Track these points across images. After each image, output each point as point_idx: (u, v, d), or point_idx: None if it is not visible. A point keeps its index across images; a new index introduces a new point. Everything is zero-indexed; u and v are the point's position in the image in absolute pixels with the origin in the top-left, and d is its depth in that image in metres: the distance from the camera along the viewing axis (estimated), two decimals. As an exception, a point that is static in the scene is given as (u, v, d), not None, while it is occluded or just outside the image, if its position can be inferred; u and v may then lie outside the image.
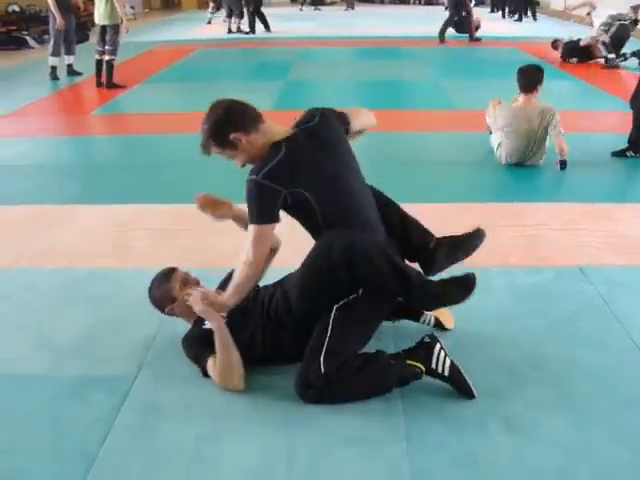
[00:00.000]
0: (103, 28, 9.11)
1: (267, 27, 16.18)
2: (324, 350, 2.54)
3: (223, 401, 2.61)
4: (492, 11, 20.20)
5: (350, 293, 2.61)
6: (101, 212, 4.59)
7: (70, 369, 2.83)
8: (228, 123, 2.62)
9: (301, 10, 22.37)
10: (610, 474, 2.25)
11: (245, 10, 15.99)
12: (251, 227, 2.61)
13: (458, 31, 14.09)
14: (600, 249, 3.94)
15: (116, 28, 9.07)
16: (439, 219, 4.30)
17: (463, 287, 2.68)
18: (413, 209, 3.09)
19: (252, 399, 2.61)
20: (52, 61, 9.94)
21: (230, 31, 15.85)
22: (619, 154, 5.75)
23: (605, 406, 2.58)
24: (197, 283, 2.92)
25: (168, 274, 2.92)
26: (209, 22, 18.00)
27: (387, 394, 2.60)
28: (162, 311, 2.93)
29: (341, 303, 2.60)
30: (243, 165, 2.74)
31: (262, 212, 2.59)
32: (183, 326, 2.92)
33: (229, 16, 16.03)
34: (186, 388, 2.67)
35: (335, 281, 2.54)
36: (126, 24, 9.21)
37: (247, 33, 15.87)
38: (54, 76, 9.98)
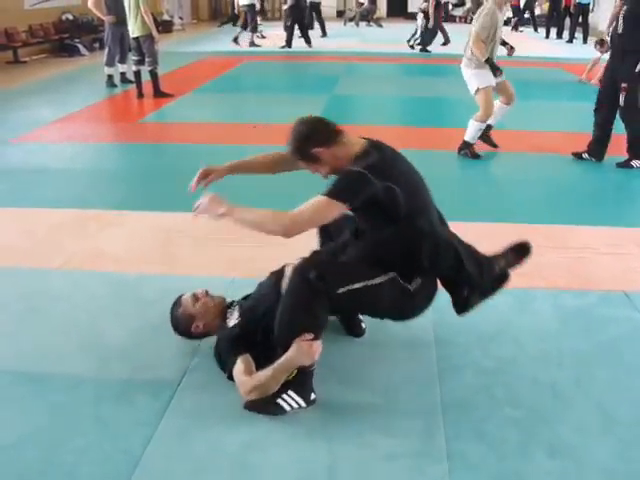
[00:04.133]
0: (136, 40, 9.27)
1: (308, 42, 16.22)
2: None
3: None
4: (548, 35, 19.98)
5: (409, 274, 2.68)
6: (147, 219, 4.67)
7: (116, 371, 2.87)
8: (309, 139, 2.72)
9: (345, 25, 22.73)
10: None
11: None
12: (319, 198, 2.59)
13: None
14: (646, 275, 3.90)
15: (150, 37, 9.20)
16: (483, 238, 4.31)
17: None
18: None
19: (295, 411, 2.61)
20: (108, 70, 10.18)
21: (253, 44, 16.02)
22: (623, 165, 5.96)
23: (652, 433, 2.55)
24: (206, 292, 3.01)
25: (176, 301, 3.03)
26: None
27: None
28: (191, 336, 2.98)
29: (399, 277, 2.65)
30: (326, 176, 2.80)
31: (344, 191, 2.59)
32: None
33: (244, 28, 16.19)
34: (230, 395, 2.68)
35: (406, 260, 2.64)
36: (156, 35, 9.28)
37: (283, 47, 16.01)
38: (111, 84, 10.22)
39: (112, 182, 5.68)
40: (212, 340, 3.02)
